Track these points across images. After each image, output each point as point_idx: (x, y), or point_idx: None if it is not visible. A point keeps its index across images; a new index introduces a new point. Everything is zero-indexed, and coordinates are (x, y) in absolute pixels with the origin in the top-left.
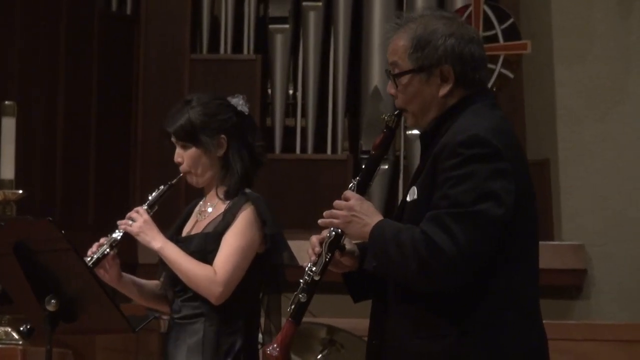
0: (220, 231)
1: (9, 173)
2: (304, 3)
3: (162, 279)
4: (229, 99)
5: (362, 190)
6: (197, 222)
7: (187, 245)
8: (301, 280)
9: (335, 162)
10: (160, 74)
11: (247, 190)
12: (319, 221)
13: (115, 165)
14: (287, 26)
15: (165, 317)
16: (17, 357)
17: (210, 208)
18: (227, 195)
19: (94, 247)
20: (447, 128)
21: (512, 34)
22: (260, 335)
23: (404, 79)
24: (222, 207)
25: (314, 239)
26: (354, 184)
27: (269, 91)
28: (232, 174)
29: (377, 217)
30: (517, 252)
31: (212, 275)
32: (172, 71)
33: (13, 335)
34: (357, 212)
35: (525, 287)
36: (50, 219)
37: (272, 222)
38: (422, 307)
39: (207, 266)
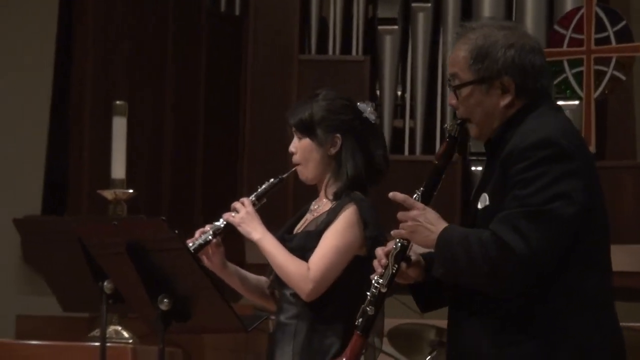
0: (321, 229)
1: (119, 172)
2: (413, 4)
3: (271, 277)
4: (359, 103)
5: (426, 200)
6: (305, 221)
7: (289, 242)
8: (368, 293)
9: None
10: (268, 74)
11: (355, 192)
12: (392, 232)
13: (222, 165)
14: (396, 27)
15: (273, 317)
16: (128, 355)
17: (319, 207)
18: (335, 196)
19: (197, 234)
20: (512, 134)
21: (624, 36)
22: None
23: (465, 91)
24: (328, 206)
25: (380, 251)
26: (417, 194)
27: (378, 92)
28: (343, 174)
29: (442, 225)
30: (589, 252)
31: (305, 271)
32: (280, 72)
33: (123, 334)
34: (422, 221)
35: (600, 288)
36: (164, 218)
37: (375, 224)
38: (498, 313)
39: (302, 262)
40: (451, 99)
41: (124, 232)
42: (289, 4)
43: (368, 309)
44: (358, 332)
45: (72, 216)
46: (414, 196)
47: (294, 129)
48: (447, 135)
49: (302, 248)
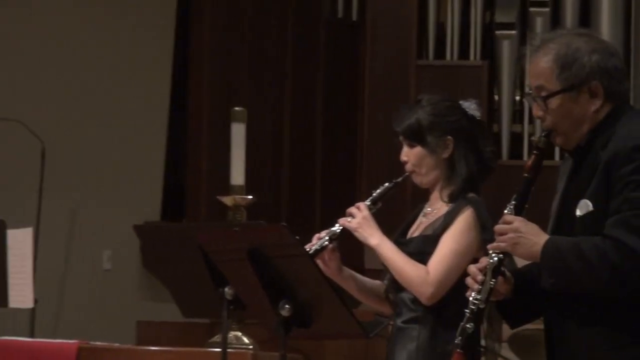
0: (438, 233)
1: (239, 179)
2: (531, 8)
3: (386, 281)
4: (461, 102)
5: (519, 212)
6: (420, 225)
7: (406, 246)
8: (466, 311)
9: None
10: (386, 80)
11: (470, 194)
12: (488, 246)
13: (341, 170)
14: (513, 32)
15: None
16: None
17: (434, 210)
18: (450, 198)
19: (314, 240)
20: (603, 140)
21: None
22: (483, 341)
23: (554, 101)
24: (444, 209)
25: (473, 268)
26: (510, 208)
27: (496, 97)
28: (457, 176)
29: (544, 236)
30: None
31: (425, 275)
32: (398, 77)
33: (244, 340)
34: (523, 233)
35: None
36: (285, 224)
37: (492, 227)
38: (610, 316)
39: (421, 266)
40: (536, 111)
41: (245, 238)
42: (406, 9)
43: (467, 326)
44: (458, 350)
45: (191, 222)
46: (506, 210)
47: (402, 137)
48: (535, 147)
49: (421, 252)
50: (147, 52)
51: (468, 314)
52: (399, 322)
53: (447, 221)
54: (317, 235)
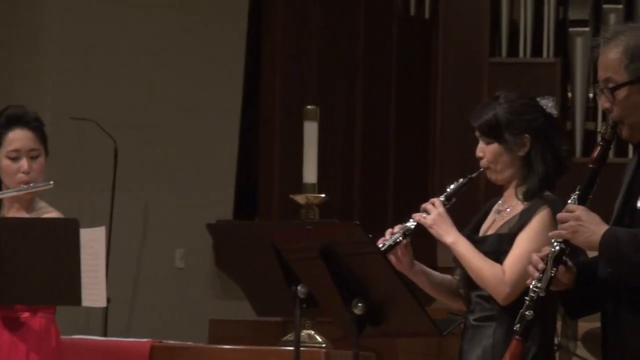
0: (514, 232)
1: (311, 177)
2: (605, 5)
3: (456, 277)
4: (539, 99)
5: (583, 202)
6: (494, 222)
7: (481, 244)
8: (526, 298)
9: None
10: (458, 77)
11: (547, 193)
12: (550, 234)
13: (413, 169)
14: (587, 29)
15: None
16: (321, 359)
17: (508, 208)
18: (526, 196)
19: (387, 235)
20: None
21: None
22: (557, 339)
23: (622, 92)
24: (519, 207)
25: (535, 256)
26: (574, 197)
27: (569, 94)
28: (533, 175)
29: (603, 226)
30: None
31: (501, 275)
32: (470, 75)
33: (317, 339)
34: (583, 222)
35: None
36: (357, 222)
37: None
38: None
39: (497, 265)
40: (604, 102)
41: (317, 236)
42: (479, 7)
43: (527, 313)
44: (517, 337)
45: (264, 220)
46: (570, 199)
47: (478, 132)
48: (601, 139)
49: (496, 251)
50: (219, 52)
51: (527, 302)
52: (471, 319)
53: (523, 220)
54: (389, 231)
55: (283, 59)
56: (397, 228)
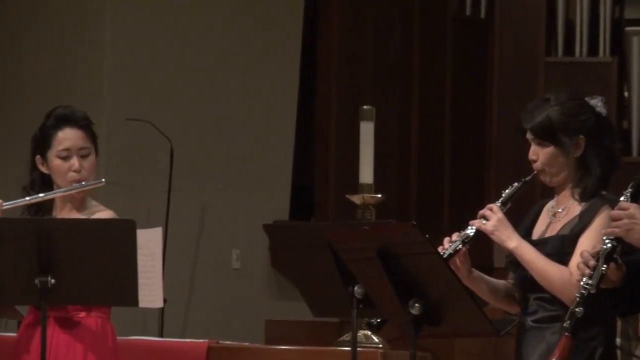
0: (576, 233)
1: (367, 177)
2: None
3: (510, 280)
4: (587, 99)
5: (635, 200)
6: (550, 224)
7: (542, 247)
8: (577, 295)
9: None
10: (514, 77)
11: (604, 193)
12: (603, 231)
13: (469, 169)
14: None
15: None
16: None
17: (564, 210)
18: (583, 197)
19: (446, 243)
20: None
21: None
22: (618, 340)
23: None
24: (577, 208)
25: (586, 253)
26: (626, 196)
27: (625, 94)
28: (589, 175)
29: None
30: None
31: (568, 277)
32: (526, 74)
33: (373, 339)
34: (638, 220)
35: None
36: (414, 223)
37: None
38: None
39: (563, 267)
40: None
41: (374, 237)
42: (535, 6)
43: (577, 310)
44: (567, 333)
45: (320, 221)
46: (622, 198)
47: (531, 135)
48: None
49: (560, 253)
50: (275, 54)
51: (578, 298)
52: (529, 320)
53: (585, 220)
54: (447, 239)
55: (338, 61)
56: (455, 236)
